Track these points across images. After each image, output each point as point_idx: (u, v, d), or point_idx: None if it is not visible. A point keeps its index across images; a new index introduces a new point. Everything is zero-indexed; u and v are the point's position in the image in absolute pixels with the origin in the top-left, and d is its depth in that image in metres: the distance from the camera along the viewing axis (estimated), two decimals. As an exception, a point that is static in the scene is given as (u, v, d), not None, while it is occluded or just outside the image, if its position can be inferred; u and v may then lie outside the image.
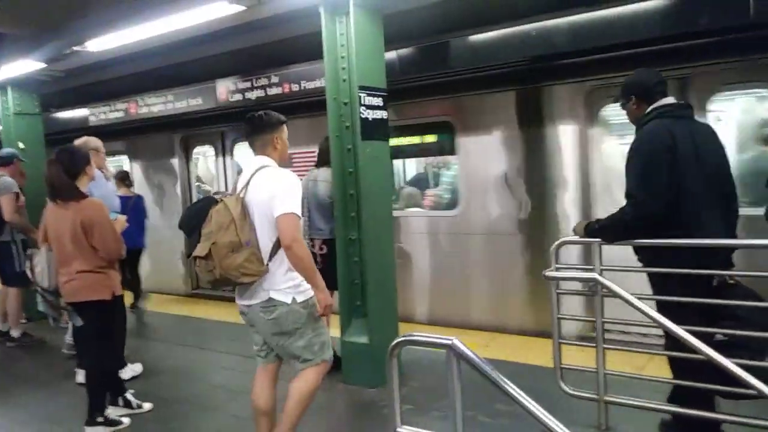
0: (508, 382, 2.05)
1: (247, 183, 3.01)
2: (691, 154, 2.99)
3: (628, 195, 3.07)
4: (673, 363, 3.25)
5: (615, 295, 3.12)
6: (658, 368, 3.57)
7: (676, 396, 3.27)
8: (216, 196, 3.07)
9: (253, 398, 3.23)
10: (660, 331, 3.18)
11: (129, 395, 4.35)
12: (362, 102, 4.45)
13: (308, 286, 2.99)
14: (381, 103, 4.61)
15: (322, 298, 2.99)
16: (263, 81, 6.69)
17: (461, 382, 2.17)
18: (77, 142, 5.23)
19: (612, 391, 3.38)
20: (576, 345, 3.50)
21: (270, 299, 2.96)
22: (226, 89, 7.10)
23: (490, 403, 3.89)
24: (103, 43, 5.75)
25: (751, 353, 2.92)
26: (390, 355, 2.31)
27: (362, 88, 4.44)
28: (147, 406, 4.37)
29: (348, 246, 4.65)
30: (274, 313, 2.96)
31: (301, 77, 6.36)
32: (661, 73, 3.29)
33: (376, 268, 4.60)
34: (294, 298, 2.96)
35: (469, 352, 2.09)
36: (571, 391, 3.45)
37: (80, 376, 4.75)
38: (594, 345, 3.33)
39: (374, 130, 4.56)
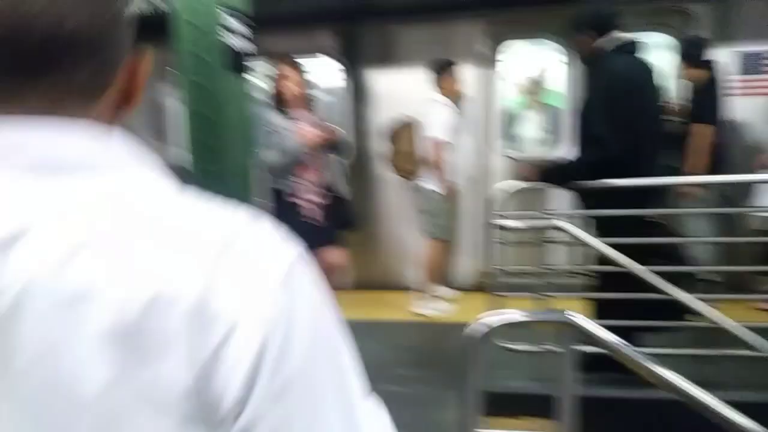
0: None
1: None
2: (649, 94, 2.93)
3: (590, 137, 2.90)
4: None
5: (578, 240, 2.96)
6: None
7: None
8: None
9: None
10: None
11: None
12: (226, 26, 3.51)
13: None
14: (246, 32, 3.71)
15: None
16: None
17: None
18: None
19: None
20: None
21: None
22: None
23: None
24: None
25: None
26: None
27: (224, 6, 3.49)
28: None
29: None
30: None
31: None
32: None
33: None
34: None
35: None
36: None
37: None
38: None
39: (238, 63, 3.66)
